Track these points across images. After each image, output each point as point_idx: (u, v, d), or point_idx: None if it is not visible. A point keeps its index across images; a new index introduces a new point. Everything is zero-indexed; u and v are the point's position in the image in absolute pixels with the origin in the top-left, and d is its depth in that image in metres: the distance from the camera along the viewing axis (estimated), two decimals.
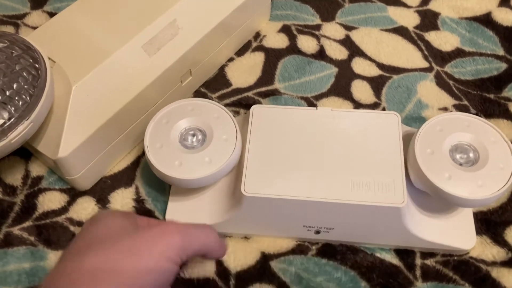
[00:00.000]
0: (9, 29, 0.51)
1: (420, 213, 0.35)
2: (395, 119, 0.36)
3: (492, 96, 0.46)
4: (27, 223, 0.40)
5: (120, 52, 0.40)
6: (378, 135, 0.36)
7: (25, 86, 0.34)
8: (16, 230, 0.39)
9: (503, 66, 0.48)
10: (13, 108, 0.33)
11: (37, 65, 0.35)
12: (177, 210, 0.39)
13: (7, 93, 0.33)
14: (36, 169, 0.43)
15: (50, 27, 0.42)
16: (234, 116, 0.38)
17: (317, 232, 0.36)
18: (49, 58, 0.39)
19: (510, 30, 0.50)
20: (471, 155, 0.34)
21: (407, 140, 0.36)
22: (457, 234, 0.36)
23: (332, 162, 0.35)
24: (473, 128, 0.35)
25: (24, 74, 0.34)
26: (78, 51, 0.40)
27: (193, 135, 0.38)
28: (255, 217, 0.36)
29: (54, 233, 0.39)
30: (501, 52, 0.49)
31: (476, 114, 0.44)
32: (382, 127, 0.36)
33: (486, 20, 0.51)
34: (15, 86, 0.34)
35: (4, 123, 0.32)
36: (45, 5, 0.54)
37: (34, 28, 0.52)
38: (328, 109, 0.38)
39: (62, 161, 0.38)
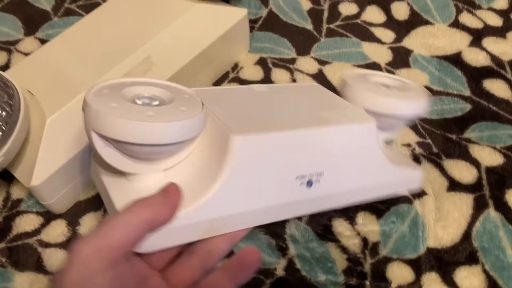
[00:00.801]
0: (2, 54, 0.55)
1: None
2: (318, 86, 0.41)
3: (454, 136, 0.47)
4: (1, 245, 0.42)
5: None
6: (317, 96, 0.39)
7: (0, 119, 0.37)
8: None
9: (468, 107, 0.49)
10: None
11: (11, 102, 0.38)
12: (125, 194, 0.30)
13: None
14: (17, 192, 0.45)
15: (33, 60, 0.45)
16: None
17: (309, 184, 0.34)
18: (28, 91, 0.42)
19: (479, 70, 0.52)
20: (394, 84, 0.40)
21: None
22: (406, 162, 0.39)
23: (295, 108, 0.36)
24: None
25: None
26: (55, 85, 0.43)
27: (148, 99, 0.30)
28: (247, 177, 0.31)
29: (23, 255, 0.42)
30: (467, 92, 0.50)
31: (437, 154, 0.46)
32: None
33: (456, 59, 0.53)
34: None
35: None
36: (37, 32, 0.57)
37: (26, 54, 0.55)
38: (263, 86, 0.39)
39: (35, 189, 0.40)
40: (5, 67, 0.53)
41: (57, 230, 0.43)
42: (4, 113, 0.37)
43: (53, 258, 0.41)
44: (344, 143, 0.34)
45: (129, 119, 0.26)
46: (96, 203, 0.45)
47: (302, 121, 0.33)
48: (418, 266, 0.40)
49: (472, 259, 0.40)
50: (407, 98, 0.36)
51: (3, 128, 0.37)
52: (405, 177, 0.38)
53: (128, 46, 0.45)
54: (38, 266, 0.41)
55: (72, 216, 0.44)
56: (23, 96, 0.39)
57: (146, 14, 0.48)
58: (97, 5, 0.59)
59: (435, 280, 0.39)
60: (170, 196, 0.28)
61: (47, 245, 0.42)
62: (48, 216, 0.44)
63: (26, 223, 0.44)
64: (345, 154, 0.34)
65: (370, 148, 0.35)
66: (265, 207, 0.32)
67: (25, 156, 0.41)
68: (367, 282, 0.39)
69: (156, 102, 0.30)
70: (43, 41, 0.56)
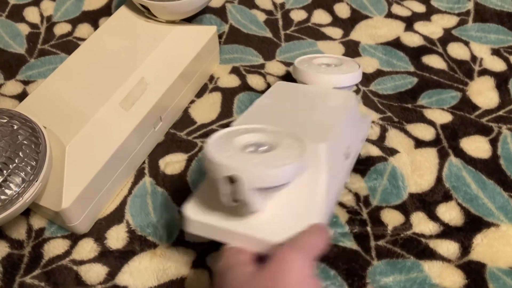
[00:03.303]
0: None
1: None
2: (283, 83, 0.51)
3: (410, 105, 0.56)
4: (37, 271, 0.45)
5: (101, 111, 0.47)
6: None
7: (30, 153, 0.40)
8: (28, 279, 0.45)
9: (415, 80, 0.59)
10: (23, 173, 0.39)
11: (36, 134, 0.41)
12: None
13: (16, 161, 0.39)
14: (37, 222, 0.48)
15: (35, 97, 0.48)
16: None
17: (347, 156, 0.43)
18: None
19: (416, 50, 0.62)
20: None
21: None
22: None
23: (309, 115, 0.45)
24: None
25: (26, 142, 0.41)
26: (65, 116, 0.47)
27: (256, 145, 0.37)
28: (332, 170, 0.38)
29: (60, 276, 0.45)
30: (412, 68, 0.60)
31: (399, 121, 0.55)
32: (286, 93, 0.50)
33: (396, 43, 0.63)
34: (21, 154, 0.40)
35: (19, 186, 0.38)
36: (17, 75, 0.59)
37: (11, 97, 0.57)
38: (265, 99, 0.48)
39: (65, 212, 0.44)
40: None
41: (87, 248, 0.47)
42: (32, 145, 0.41)
43: (91, 271, 0.45)
44: (351, 117, 0.45)
45: (276, 167, 0.33)
46: (115, 218, 0.48)
47: (327, 116, 0.43)
48: (405, 209, 0.48)
49: (447, 197, 0.49)
50: (344, 73, 0.50)
51: (35, 157, 0.40)
52: (369, 123, 0.52)
53: (122, 71, 0.50)
54: (79, 282, 0.44)
55: (97, 233, 0.47)
56: (44, 128, 0.43)
57: (133, 41, 0.53)
58: (70, 42, 0.63)
59: (422, 218, 0.47)
60: (324, 232, 0.34)
61: (81, 262, 0.46)
62: (74, 238, 0.47)
63: (55, 247, 0.47)
64: (351, 124, 0.46)
65: (357, 113, 0.48)
66: (339, 188, 0.42)
67: (49, 184, 0.44)
68: (368, 228, 0.47)
69: (265, 147, 0.36)
70: (25, 82, 0.59)
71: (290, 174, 0.34)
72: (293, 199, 0.36)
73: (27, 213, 0.48)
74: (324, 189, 0.37)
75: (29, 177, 0.39)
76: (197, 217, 0.37)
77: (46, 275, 0.45)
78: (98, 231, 0.48)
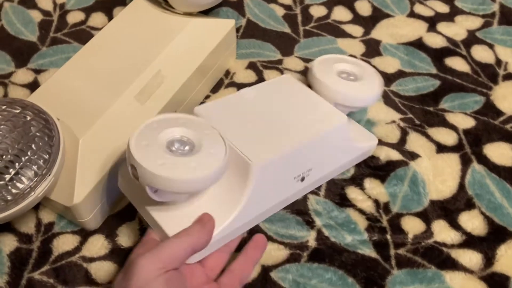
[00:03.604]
0: None
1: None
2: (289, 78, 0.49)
3: (431, 108, 0.55)
4: (46, 267, 0.44)
5: (117, 104, 0.46)
6: (292, 93, 0.46)
7: (43, 146, 0.39)
8: (36, 275, 0.43)
9: (437, 82, 0.57)
10: (36, 167, 0.38)
11: (49, 126, 0.40)
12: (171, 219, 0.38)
13: (29, 153, 0.38)
14: (46, 217, 0.47)
15: (48, 88, 0.47)
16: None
17: (302, 179, 0.43)
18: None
19: (439, 51, 0.60)
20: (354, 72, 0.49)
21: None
22: (363, 137, 0.49)
23: (282, 121, 0.43)
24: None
25: (39, 135, 0.39)
26: (79, 108, 0.45)
27: (180, 143, 0.37)
28: (263, 190, 0.39)
29: (70, 273, 0.43)
30: (434, 70, 0.58)
31: (420, 125, 0.53)
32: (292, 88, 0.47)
33: (419, 44, 0.61)
34: (34, 147, 0.38)
35: (31, 180, 0.37)
36: (29, 63, 0.58)
37: (22, 85, 0.56)
38: (249, 89, 0.46)
39: (77, 207, 0.42)
40: None
41: (97, 244, 0.45)
42: (46, 137, 0.39)
43: (101, 270, 0.43)
44: (326, 143, 0.43)
45: (180, 175, 0.34)
46: (126, 214, 0.47)
47: (294, 134, 0.41)
48: (426, 217, 0.46)
49: (469, 205, 0.47)
50: (359, 91, 0.46)
51: (49, 150, 0.39)
52: (366, 150, 0.49)
53: (139, 64, 0.49)
54: (88, 280, 0.43)
55: (108, 229, 0.46)
56: (57, 120, 0.41)
57: (150, 32, 0.51)
58: (83, 31, 0.62)
59: (444, 226, 0.46)
60: (206, 225, 0.37)
61: (91, 259, 0.44)
62: (84, 233, 0.46)
63: (64, 243, 0.45)
64: (326, 149, 0.44)
65: (344, 140, 0.45)
66: (271, 206, 0.42)
67: (61, 177, 0.43)
68: (388, 236, 0.45)
69: (187, 147, 0.37)
70: (36, 71, 0.57)
71: (183, 187, 0.34)
72: (211, 204, 0.39)
73: (36, 206, 0.47)
74: (241, 206, 0.38)
75: (42, 170, 0.38)
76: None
77: (55, 271, 0.43)
78: (108, 227, 0.46)
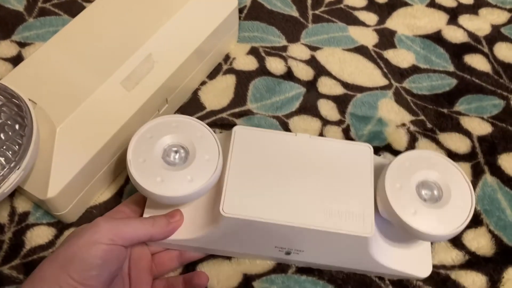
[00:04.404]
0: None
1: (384, 241, 0.39)
2: (368, 151, 0.39)
3: (445, 110, 0.50)
4: (16, 261, 0.41)
5: (100, 90, 0.42)
6: (351, 165, 0.39)
7: (13, 136, 0.35)
8: (5, 270, 0.40)
9: (454, 82, 0.52)
10: (3, 159, 0.34)
11: (22, 113, 0.36)
12: None
13: None
14: (21, 205, 0.44)
15: (28, 66, 0.43)
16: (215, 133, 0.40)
17: (288, 253, 0.39)
18: (30, 100, 0.40)
19: (459, 47, 0.55)
20: (435, 192, 0.37)
21: (377, 171, 0.39)
22: (415, 262, 0.39)
23: (307, 188, 0.37)
24: (438, 167, 0.38)
25: (10, 123, 0.35)
26: (58, 92, 0.41)
27: (176, 152, 0.38)
28: (230, 236, 0.38)
29: None
30: (451, 68, 0.53)
31: (431, 129, 0.49)
32: (355, 157, 0.39)
33: (437, 37, 0.56)
34: (2, 136, 0.35)
35: None
36: (13, 35, 0.54)
37: (4, 59, 0.52)
38: (307, 136, 0.40)
39: (51, 200, 0.39)
40: None
41: None
42: (17, 126, 0.36)
43: None
44: (334, 243, 0.37)
45: (177, 192, 0.36)
46: (107, 207, 0.44)
47: (301, 214, 0.36)
48: None
49: (476, 221, 0.44)
50: (441, 225, 0.35)
51: (19, 141, 0.35)
52: (400, 272, 0.39)
53: (128, 45, 0.44)
54: None
55: (87, 222, 0.43)
56: (32, 106, 0.38)
57: (143, 11, 0.47)
58: (74, 3, 0.57)
59: (445, 246, 0.42)
60: (172, 224, 0.38)
61: None
62: (61, 226, 0.43)
63: (38, 236, 0.42)
64: (332, 251, 0.38)
65: (362, 254, 0.37)
66: (243, 252, 0.41)
67: (36, 168, 0.40)
68: None
69: (183, 154, 0.38)
70: (21, 44, 0.53)
71: (180, 200, 0.37)
72: (195, 209, 0.39)
73: (11, 194, 0.44)
74: (209, 236, 0.38)
75: (10, 163, 0.34)
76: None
77: (25, 267, 0.41)
78: (88, 220, 0.43)
